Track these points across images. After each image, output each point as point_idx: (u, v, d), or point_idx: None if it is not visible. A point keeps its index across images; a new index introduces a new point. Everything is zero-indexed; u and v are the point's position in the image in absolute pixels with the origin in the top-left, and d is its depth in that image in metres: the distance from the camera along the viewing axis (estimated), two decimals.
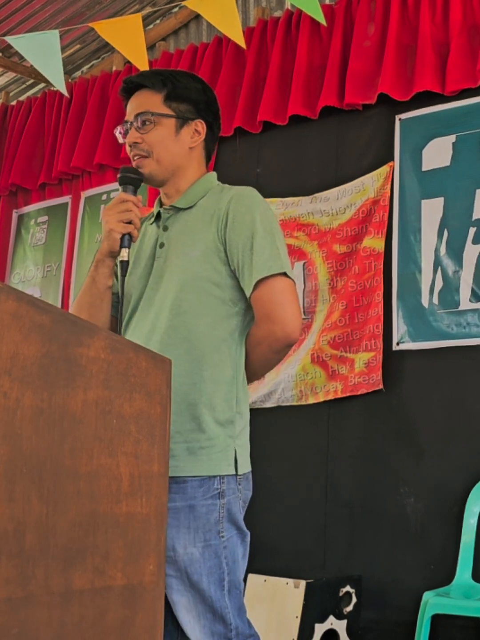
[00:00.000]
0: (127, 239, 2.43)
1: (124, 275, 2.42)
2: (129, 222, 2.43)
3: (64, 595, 1.61)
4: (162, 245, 2.53)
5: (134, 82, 2.57)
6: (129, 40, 4.38)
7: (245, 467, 2.43)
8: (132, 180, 2.49)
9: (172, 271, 2.46)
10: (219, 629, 2.34)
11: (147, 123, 2.51)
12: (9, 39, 4.60)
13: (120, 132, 2.59)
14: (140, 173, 2.51)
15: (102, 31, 4.45)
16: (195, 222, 2.51)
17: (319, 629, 3.93)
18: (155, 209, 2.64)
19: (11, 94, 6.75)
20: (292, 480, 4.70)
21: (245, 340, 2.49)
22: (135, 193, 2.48)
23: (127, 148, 2.56)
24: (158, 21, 6.14)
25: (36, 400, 1.57)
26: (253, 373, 2.54)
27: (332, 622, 4.00)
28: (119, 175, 2.50)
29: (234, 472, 2.39)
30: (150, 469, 1.81)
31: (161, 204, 2.63)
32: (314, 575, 4.12)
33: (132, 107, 2.55)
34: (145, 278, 2.52)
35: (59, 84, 4.48)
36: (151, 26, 6.08)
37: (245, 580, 4.01)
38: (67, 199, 6.15)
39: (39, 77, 6.11)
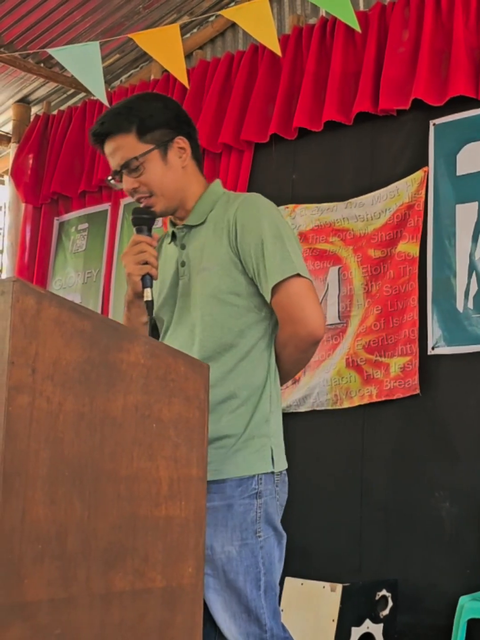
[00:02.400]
0: (148, 279, 2.47)
1: (151, 315, 2.48)
2: (145, 263, 2.47)
3: (104, 597, 1.63)
4: (183, 264, 2.56)
5: (102, 134, 2.54)
6: (167, 50, 4.41)
7: (281, 464, 2.48)
8: (145, 220, 2.52)
9: (196, 288, 2.51)
10: (254, 630, 2.36)
11: (135, 168, 2.50)
12: (51, 51, 4.66)
13: (113, 180, 2.59)
14: (151, 212, 2.53)
15: (140, 42, 4.49)
16: (208, 236, 2.53)
17: (356, 633, 3.94)
18: (169, 229, 2.67)
19: (52, 104, 6.82)
20: (327, 484, 4.71)
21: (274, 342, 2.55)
22: (150, 232, 2.52)
23: (128, 193, 2.57)
24: (195, 30, 6.18)
25: (77, 405, 1.60)
26: (286, 373, 2.60)
27: (368, 626, 4.01)
28: (131, 218, 2.54)
29: (271, 470, 2.43)
30: (188, 473, 1.84)
31: (173, 223, 2.65)
32: (350, 579, 4.12)
33: (112, 157, 2.53)
34: (174, 297, 2.57)
35: (100, 94, 4.53)
36: (188, 35, 6.12)
37: (281, 583, 4.04)
38: (106, 206, 6.20)
39: (79, 87, 6.16)
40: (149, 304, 2.46)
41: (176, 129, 2.55)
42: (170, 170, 2.53)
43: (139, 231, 2.51)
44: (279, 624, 2.42)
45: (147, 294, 2.46)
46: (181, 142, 2.55)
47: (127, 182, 2.52)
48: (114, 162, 2.53)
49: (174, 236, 2.63)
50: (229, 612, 2.38)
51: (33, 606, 1.50)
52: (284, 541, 2.49)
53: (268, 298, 2.44)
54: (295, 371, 2.68)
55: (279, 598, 2.49)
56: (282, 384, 2.58)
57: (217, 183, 2.67)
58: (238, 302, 2.48)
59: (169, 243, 2.66)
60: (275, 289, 2.42)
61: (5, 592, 1.45)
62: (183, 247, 2.58)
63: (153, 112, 2.53)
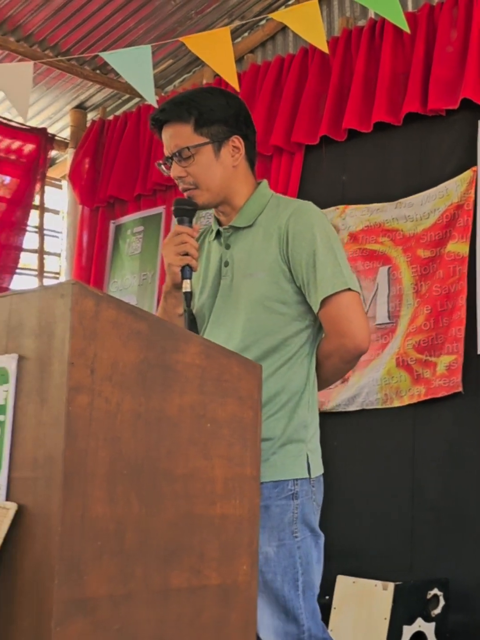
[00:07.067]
0: (187, 270, 2.46)
1: (189, 306, 2.47)
2: (186, 254, 2.46)
3: (162, 593, 1.66)
4: (226, 264, 2.58)
5: (159, 120, 2.57)
6: (217, 53, 4.44)
7: (317, 470, 2.50)
8: (187, 211, 2.52)
9: (240, 292, 2.52)
10: (292, 630, 2.37)
11: (186, 157, 2.52)
12: (103, 55, 4.73)
13: (163, 166, 2.62)
14: (194, 203, 2.54)
15: (191, 45, 4.52)
16: (257, 241, 2.55)
17: (407, 631, 3.95)
18: (214, 226, 2.67)
19: (108, 109, 6.90)
20: (378, 483, 4.72)
21: (316, 350, 2.56)
22: (191, 223, 2.52)
23: (175, 180, 2.59)
24: (246, 34, 6.21)
25: (135, 405, 1.63)
26: (325, 381, 2.62)
27: (420, 625, 4.01)
28: (173, 208, 2.54)
29: (307, 476, 2.46)
30: (243, 472, 1.85)
31: (219, 222, 2.66)
32: (402, 577, 4.13)
33: (167, 142, 2.56)
34: (214, 296, 2.58)
35: (150, 96, 4.57)
36: (239, 39, 6.15)
37: (333, 581, 4.06)
38: (161, 209, 6.24)
39: (134, 93, 6.21)
40: (188, 295, 2.46)
41: (234, 127, 2.58)
42: (220, 167, 2.55)
43: (180, 222, 2.52)
44: (318, 623, 2.43)
45: (186, 285, 2.46)
46: (236, 141, 2.57)
47: (175, 170, 2.55)
48: (167, 149, 2.57)
49: (218, 234, 2.65)
50: (267, 611, 2.39)
51: (93, 602, 1.53)
52: (322, 541, 2.50)
53: (316, 309, 2.47)
54: (333, 380, 2.70)
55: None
56: (319, 390, 2.60)
57: (265, 184, 2.67)
58: (284, 310, 2.50)
59: (213, 240, 2.66)
60: (324, 301, 2.46)
61: (67, 588, 1.48)
62: (228, 247, 2.60)
63: (214, 107, 2.55)
